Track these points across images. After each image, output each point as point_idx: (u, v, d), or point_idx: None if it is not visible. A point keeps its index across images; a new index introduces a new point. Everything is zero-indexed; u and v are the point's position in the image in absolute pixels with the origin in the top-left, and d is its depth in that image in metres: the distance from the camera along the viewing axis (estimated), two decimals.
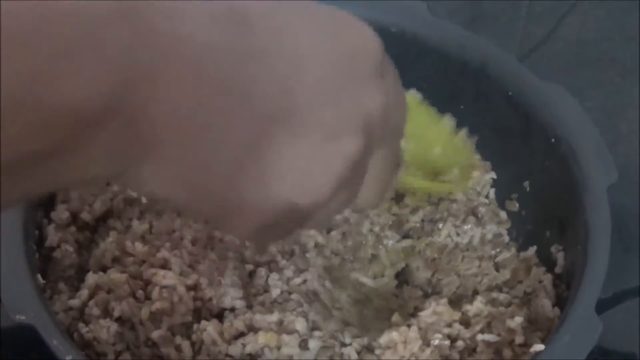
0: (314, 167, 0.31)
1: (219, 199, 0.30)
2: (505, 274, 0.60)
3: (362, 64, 0.33)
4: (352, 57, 0.33)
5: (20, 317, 0.48)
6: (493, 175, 0.66)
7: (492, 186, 0.66)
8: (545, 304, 0.56)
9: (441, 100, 0.66)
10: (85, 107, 0.25)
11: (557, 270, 0.58)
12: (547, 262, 0.59)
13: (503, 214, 0.64)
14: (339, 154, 0.32)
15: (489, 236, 0.63)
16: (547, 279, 0.58)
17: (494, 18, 0.88)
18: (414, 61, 0.65)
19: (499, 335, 0.55)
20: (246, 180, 0.30)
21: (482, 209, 0.64)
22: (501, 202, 0.65)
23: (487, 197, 0.65)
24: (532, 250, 0.60)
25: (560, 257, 0.58)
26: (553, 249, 0.59)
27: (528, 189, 0.63)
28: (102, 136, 0.26)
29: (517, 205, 0.64)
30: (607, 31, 0.88)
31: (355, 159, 0.32)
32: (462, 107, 0.65)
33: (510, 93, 0.62)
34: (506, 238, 0.64)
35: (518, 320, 0.55)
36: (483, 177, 0.66)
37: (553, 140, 0.59)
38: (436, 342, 0.54)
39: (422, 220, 0.65)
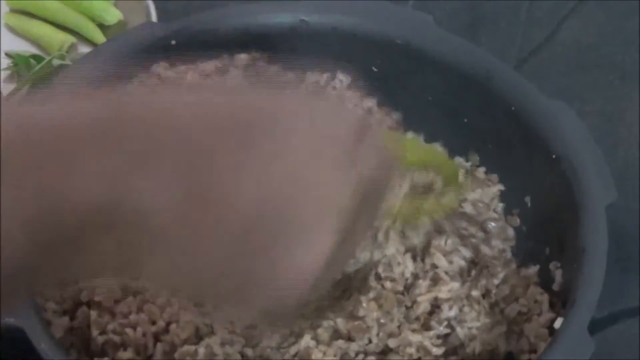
0: (295, 269, 0.33)
1: (218, 286, 0.33)
2: (505, 289, 0.60)
3: (335, 149, 0.35)
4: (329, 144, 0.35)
5: (9, 319, 0.49)
6: (501, 187, 0.66)
7: (500, 200, 0.66)
8: (537, 326, 0.57)
9: (445, 112, 0.67)
10: (90, 204, 0.29)
11: (555, 287, 0.58)
12: (546, 279, 0.59)
13: (510, 231, 0.64)
14: (315, 254, 0.34)
15: (494, 252, 0.63)
16: (544, 299, 0.58)
17: (494, 22, 0.88)
18: (419, 74, 0.66)
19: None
20: (240, 267, 0.32)
21: (491, 224, 0.64)
22: (504, 217, 0.65)
23: (495, 211, 0.65)
24: (533, 269, 0.61)
25: (558, 274, 0.58)
26: (552, 266, 0.59)
27: (529, 204, 0.63)
28: (107, 240, 0.30)
29: (519, 220, 0.64)
30: (607, 35, 0.88)
31: (330, 253, 0.34)
32: (465, 120, 0.66)
33: (513, 108, 0.62)
34: (509, 254, 0.63)
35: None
36: (490, 190, 0.65)
37: (554, 156, 0.60)
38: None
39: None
